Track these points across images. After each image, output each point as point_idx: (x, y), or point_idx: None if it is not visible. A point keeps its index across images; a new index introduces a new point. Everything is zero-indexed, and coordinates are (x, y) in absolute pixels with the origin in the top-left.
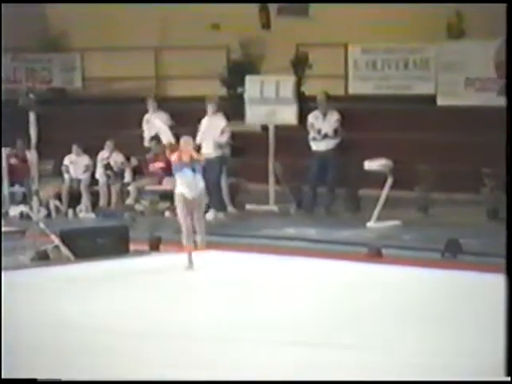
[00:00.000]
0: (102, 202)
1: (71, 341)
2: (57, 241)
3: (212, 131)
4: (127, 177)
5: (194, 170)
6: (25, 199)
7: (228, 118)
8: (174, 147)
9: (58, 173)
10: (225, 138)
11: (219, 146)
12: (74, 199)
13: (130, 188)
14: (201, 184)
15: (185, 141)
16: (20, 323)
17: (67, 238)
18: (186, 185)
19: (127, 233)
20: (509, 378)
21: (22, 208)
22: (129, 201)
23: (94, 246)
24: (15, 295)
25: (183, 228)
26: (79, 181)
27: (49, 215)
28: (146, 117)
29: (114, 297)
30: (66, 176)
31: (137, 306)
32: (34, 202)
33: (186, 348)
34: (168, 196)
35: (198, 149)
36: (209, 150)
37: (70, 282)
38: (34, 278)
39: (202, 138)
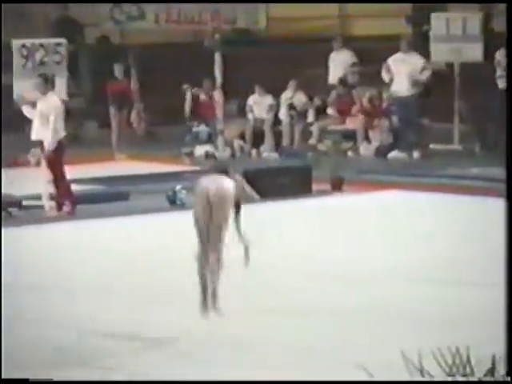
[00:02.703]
0: (285, 141)
1: (249, 279)
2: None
3: (407, 69)
4: (310, 116)
5: None
6: (210, 139)
7: None
8: None
9: (242, 113)
10: (425, 76)
11: (416, 83)
12: (258, 139)
13: (313, 128)
14: None
15: None
16: None
17: (251, 177)
18: None
19: (310, 173)
20: (509, 378)
21: (208, 148)
22: (312, 141)
23: (277, 186)
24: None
25: None
26: (263, 121)
27: (233, 155)
28: (332, 56)
29: (298, 237)
30: (249, 116)
31: (320, 249)
32: (219, 141)
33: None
34: (351, 136)
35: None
36: (402, 88)
37: (255, 220)
38: None
39: (392, 77)
